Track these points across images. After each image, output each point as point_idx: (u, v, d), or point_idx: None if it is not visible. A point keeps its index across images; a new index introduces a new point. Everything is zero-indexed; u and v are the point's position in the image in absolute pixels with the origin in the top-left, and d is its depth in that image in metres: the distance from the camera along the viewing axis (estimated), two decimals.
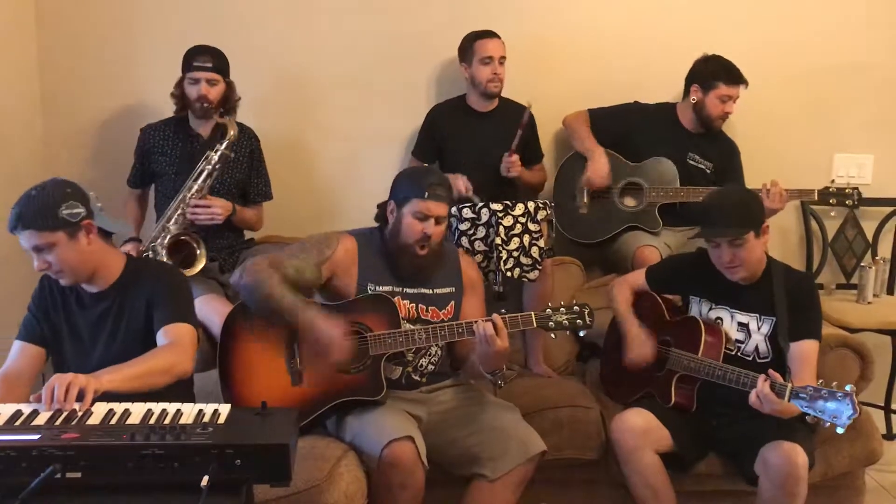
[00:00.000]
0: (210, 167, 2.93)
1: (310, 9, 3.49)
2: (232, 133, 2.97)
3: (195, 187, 2.92)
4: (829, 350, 2.76)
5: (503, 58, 3.27)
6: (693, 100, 3.29)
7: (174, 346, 2.11)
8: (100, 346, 2.19)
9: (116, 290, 2.20)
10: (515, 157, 3.24)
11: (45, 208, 2.04)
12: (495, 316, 2.31)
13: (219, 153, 2.94)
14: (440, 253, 2.53)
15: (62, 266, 2.10)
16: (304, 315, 2.28)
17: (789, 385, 2.22)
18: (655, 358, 2.66)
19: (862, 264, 3.56)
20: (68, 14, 3.43)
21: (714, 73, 3.24)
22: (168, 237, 2.89)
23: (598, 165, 3.30)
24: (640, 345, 2.67)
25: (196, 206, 2.91)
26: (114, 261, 2.23)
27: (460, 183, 3.14)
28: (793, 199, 3.18)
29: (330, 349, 2.27)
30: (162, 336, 2.15)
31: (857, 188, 3.23)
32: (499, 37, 3.29)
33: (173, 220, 2.91)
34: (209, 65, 2.98)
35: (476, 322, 2.32)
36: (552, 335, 2.41)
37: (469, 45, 3.29)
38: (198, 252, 2.89)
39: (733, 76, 3.22)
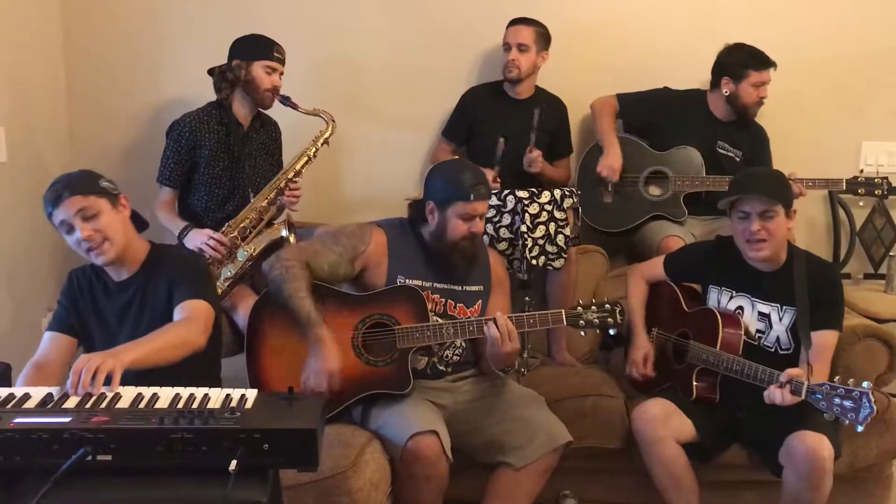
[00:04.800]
0: (311, 155, 2.99)
1: None
2: (332, 123, 3.02)
3: (290, 174, 2.96)
4: (857, 341, 2.73)
5: (522, 45, 3.25)
6: (726, 92, 3.25)
7: (187, 320, 2.13)
8: (125, 332, 2.22)
9: (140, 278, 2.24)
10: (537, 153, 3.22)
11: (87, 178, 2.17)
12: (500, 317, 2.31)
13: (322, 145, 3.01)
14: (478, 249, 2.54)
15: (108, 233, 2.15)
16: (316, 333, 2.31)
17: (805, 383, 2.20)
18: (653, 377, 2.69)
19: (891, 254, 3.52)
20: (94, 3, 3.44)
21: (742, 62, 3.20)
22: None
23: (611, 159, 3.28)
24: (641, 363, 2.70)
25: (293, 190, 2.98)
26: (140, 246, 2.28)
27: (488, 176, 3.13)
28: (820, 189, 3.13)
29: (322, 375, 2.30)
30: (178, 311, 2.17)
31: (886, 178, 3.18)
32: (525, 23, 3.27)
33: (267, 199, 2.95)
34: (283, 57, 3.01)
35: (486, 323, 2.33)
36: (581, 333, 2.42)
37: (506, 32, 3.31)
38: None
39: (762, 61, 3.19)
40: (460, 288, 2.52)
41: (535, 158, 3.21)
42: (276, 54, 2.97)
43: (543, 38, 3.29)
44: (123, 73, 3.49)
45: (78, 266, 2.33)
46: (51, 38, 3.40)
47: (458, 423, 2.42)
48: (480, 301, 2.55)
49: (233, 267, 2.85)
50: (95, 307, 2.26)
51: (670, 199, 3.29)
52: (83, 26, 3.45)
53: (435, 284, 2.49)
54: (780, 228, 2.45)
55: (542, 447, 2.36)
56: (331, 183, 3.53)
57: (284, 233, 2.91)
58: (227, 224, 2.90)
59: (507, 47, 3.27)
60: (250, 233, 2.92)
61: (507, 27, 3.29)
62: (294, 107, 2.99)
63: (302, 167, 2.99)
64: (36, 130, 3.26)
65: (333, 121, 3.02)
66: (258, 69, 2.95)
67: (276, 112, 3.11)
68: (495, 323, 2.31)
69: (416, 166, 3.56)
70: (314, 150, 3.00)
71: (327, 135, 3.02)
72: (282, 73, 3.01)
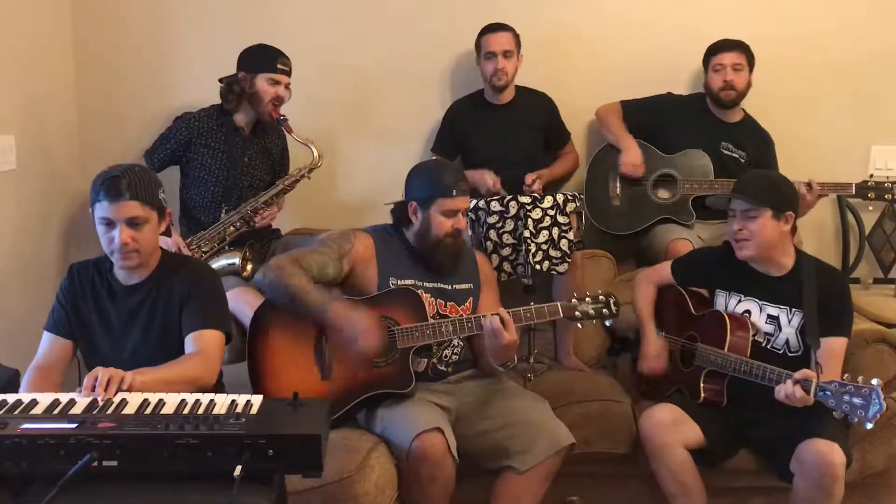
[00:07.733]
0: (287, 186, 3.05)
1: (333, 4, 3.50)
2: (318, 158, 3.06)
3: (264, 199, 3.02)
4: (867, 345, 2.72)
5: (508, 51, 3.25)
6: (704, 84, 3.33)
7: (203, 357, 2.11)
8: (133, 338, 2.19)
9: (151, 284, 2.20)
10: (536, 185, 3.21)
11: (152, 186, 2.10)
12: (501, 310, 2.35)
13: (301, 177, 3.06)
14: (463, 245, 2.57)
15: (143, 245, 2.10)
16: (332, 309, 2.31)
17: (814, 381, 2.20)
18: (665, 371, 2.71)
19: None
20: (104, 11, 3.47)
21: (708, 51, 3.30)
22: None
23: (631, 156, 3.29)
24: (653, 357, 2.72)
25: (265, 213, 3.04)
26: (156, 253, 2.23)
27: (488, 178, 3.14)
28: (829, 193, 3.12)
29: (360, 339, 2.30)
30: (191, 342, 2.13)
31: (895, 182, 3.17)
32: (506, 29, 3.27)
33: (234, 223, 3.00)
34: (289, 69, 3.02)
35: (483, 316, 2.35)
36: (579, 325, 2.45)
37: (478, 40, 3.31)
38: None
39: (718, 45, 3.27)
40: (450, 287, 2.54)
41: (534, 189, 3.20)
42: (280, 66, 2.98)
43: (519, 40, 3.31)
44: (133, 80, 3.51)
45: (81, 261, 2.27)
46: (61, 47, 3.42)
47: (463, 426, 2.43)
48: (471, 298, 2.57)
49: None
50: (98, 308, 2.21)
51: (678, 202, 3.29)
52: (93, 35, 3.47)
53: (425, 284, 2.51)
54: (763, 230, 2.46)
55: (545, 450, 2.36)
56: (323, 192, 3.53)
57: (236, 261, 2.95)
58: (196, 237, 2.97)
59: (490, 55, 3.26)
60: (212, 250, 2.97)
61: (483, 35, 3.28)
62: (288, 130, 3.03)
63: (274, 196, 3.04)
64: (46, 139, 3.28)
65: (321, 157, 3.06)
66: (262, 81, 2.97)
67: (288, 112, 3.12)
68: (498, 317, 2.33)
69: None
70: (292, 181, 3.05)
71: (309, 169, 3.05)
72: (287, 85, 3.02)
